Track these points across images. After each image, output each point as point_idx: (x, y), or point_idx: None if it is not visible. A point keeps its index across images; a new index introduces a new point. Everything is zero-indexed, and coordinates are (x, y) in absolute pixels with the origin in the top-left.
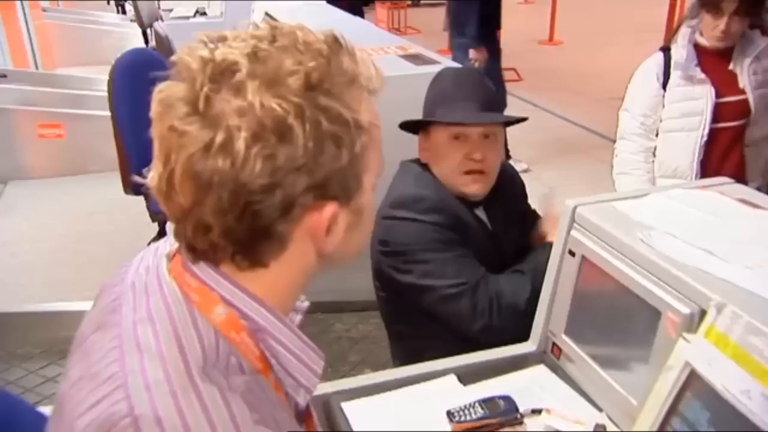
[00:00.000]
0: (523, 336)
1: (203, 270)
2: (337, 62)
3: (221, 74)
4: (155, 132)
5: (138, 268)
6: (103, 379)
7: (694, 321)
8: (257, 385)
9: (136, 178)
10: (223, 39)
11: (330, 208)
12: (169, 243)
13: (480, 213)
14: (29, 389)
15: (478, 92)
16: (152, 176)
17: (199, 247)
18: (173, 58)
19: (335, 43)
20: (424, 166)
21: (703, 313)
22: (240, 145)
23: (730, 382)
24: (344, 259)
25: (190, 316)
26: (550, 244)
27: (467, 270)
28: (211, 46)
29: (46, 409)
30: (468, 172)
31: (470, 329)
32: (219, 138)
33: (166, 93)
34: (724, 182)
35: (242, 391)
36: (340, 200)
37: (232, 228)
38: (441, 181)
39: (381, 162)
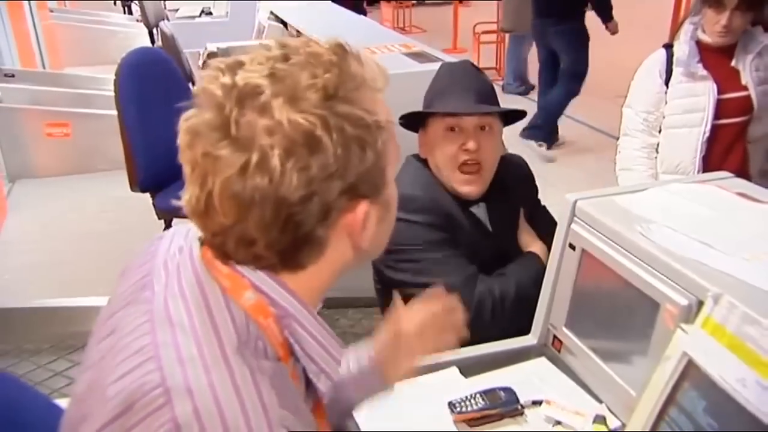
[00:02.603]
0: (513, 334)
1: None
2: (347, 68)
3: (246, 97)
4: (185, 158)
5: (169, 248)
6: (134, 350)
7: (691, 312)
8: (280, 372)
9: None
10: (240, 65)
11: (363, 207)
12: None
13: (477, 211)
14: (38, 383)
15: (473, 84)
16: (187, 198)
17: (241, 258)
18: (195, 89)
19: (341, 50)
20: (425, 162)
21: (700, 305)
22: (275, 162)
23: (727, 371)
24: (377, 251)
25: (223, 299)
26: (535, 254)
27: (457, 270)
28: (229, 73)
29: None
30: (463, 166)
31: None
32: (255, 158)
33: (192, 121)
34: (723, 176)
35: (270, 374)
36: (370, 197)
37: (276, 240)
38: (437, 176)
39: (398, 151)
